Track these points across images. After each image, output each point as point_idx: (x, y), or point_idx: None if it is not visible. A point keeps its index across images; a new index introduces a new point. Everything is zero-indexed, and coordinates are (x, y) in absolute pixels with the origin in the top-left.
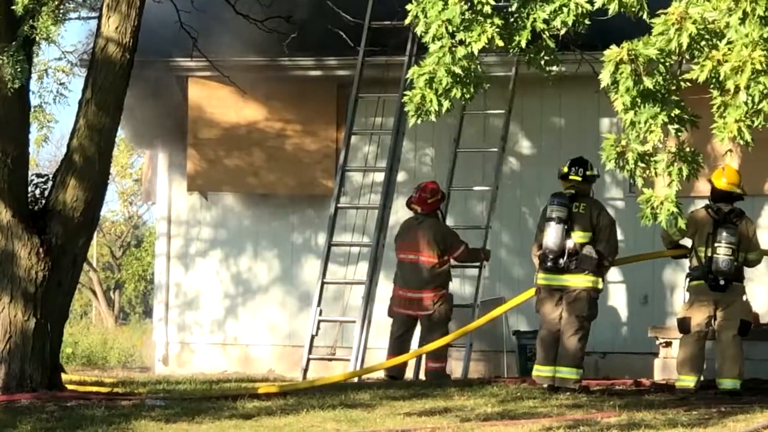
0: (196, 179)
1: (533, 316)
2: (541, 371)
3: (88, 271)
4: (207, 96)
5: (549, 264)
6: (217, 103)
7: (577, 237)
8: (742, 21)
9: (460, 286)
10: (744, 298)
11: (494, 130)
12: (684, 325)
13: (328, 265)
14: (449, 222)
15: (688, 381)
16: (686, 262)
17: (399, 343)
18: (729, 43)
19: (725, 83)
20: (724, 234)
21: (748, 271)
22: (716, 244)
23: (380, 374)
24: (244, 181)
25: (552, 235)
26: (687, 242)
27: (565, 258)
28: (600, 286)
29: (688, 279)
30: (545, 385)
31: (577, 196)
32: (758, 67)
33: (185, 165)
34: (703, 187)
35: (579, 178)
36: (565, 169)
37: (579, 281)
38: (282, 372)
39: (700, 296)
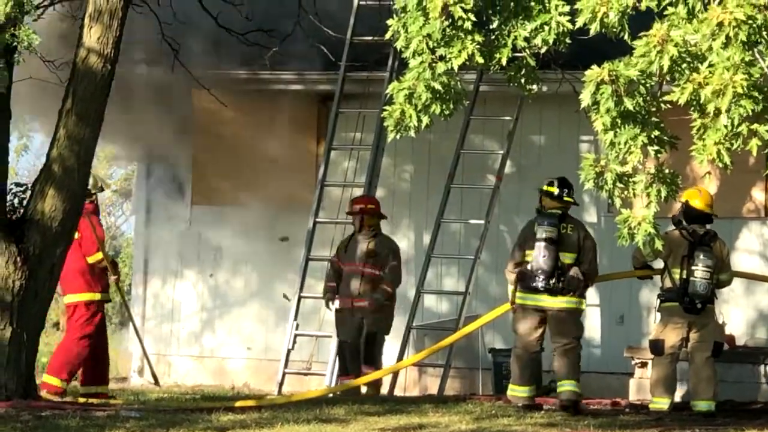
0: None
1: (509, 334)
2: (516, 391)
3: None
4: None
5: (538, 284)
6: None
7: (565, 258)
8: (725, 45)
9: (436, 303)
10: (719, 319)
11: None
12: (657, 346)
13: (306, 280)
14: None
15: (662, 403)
16: (660, 282)
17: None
18: (710, 66)
19: (706, 106)
20: (702, 257)
21: (724, 293)
22: (693, 267)
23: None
24: (223, 194)
25: (545, 256)
26: (656, 263)
27: (554, 279)
28: (583, 307)
29: (659, 300)
30: (520, 405)
31: (564, 216)
32: (739, 90)
33: (171, 177)
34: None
35: (571, 201)
36: (556, 190)
37: (564, 302)
38: (258, 386)
39: (674, 318)
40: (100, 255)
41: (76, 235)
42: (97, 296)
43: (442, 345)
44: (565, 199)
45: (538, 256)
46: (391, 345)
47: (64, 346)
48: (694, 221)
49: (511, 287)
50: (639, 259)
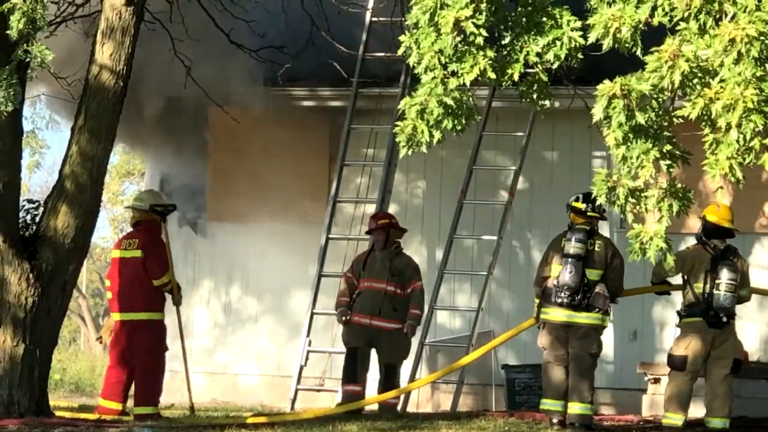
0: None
1: (522, 350)
2: (550, 405)
3: (77, 298)
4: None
5: (563, 300)
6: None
7: (591, 275)
8: (737, 61)
9: (449, 319)
10: (736, 336)
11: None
12: (679, 362)
13: (318, 296)
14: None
15: (676, 419)
16: (675, 298)
17: None
18: (721, 81)
19: (717, 121)
20: (725, 271)
21: (737, 309)
22: (717, 281)
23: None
24: (236, 210)
25: (571, 271)
26: (675, 279)
27: (580, 295)
28: (607, 324)
29: (681, 316)
30: (555, 420)
31: (592, 232)
32: (750, 105)
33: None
34: (693, 224)
35: (597, 215)
36: (582, 205)
37: (589, 319)
38: (270, 402)
39: (698, 333)
40: (167, 278)
41: (140, 254)
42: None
43: (463, 363)
44: (589, 214)
45: (564, 272)
46: (404, 361)
47: (146, 371)
48: (712, 236)
49: (537, 301)
50: (660, 274)
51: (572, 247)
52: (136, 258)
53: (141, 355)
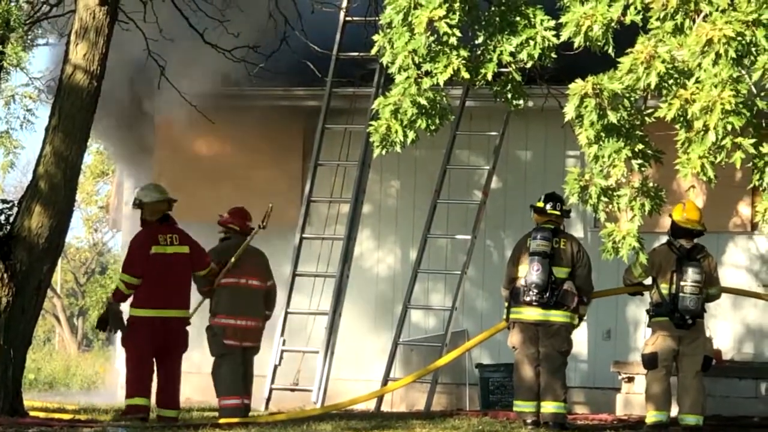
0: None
1: (495, 349)
2: (523, 407)
3: (51, 297)
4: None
5: (532, 298)
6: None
7: (558, 272)
8: (715, 62)
9: (423, 318)
10: (707, 333)
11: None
12: (652, 360)
13: (293, 295)
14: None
15: (661, 416)
16: (648, 298)
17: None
18: (697, 81)
19: (693, 122)
20: (690, 272)
21: (711, 308)
22: (682, 283)
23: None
24: (208, 210)
25: (537, 269)
26: (647, 279)
27: (548, 293)
28: (575, 321)
29: (650, 315)
30: (528, 421)
31: (557, 230)
32: (728, 107)
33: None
34: (666, 223)
35: (557, 213)
36: (542, 204)
37: (558, 316)
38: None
39: (665, 332)
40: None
41: (187, 249)
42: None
43: (439, 365)
44: (549, 211)
45: (531, 271)
46: (378, 361)
47: (177, 371)
48: (678, 235)
49: (506, 304)
50: (631, 279)
51: (537, 245)
52: (185, 254)
53: (177, 354)
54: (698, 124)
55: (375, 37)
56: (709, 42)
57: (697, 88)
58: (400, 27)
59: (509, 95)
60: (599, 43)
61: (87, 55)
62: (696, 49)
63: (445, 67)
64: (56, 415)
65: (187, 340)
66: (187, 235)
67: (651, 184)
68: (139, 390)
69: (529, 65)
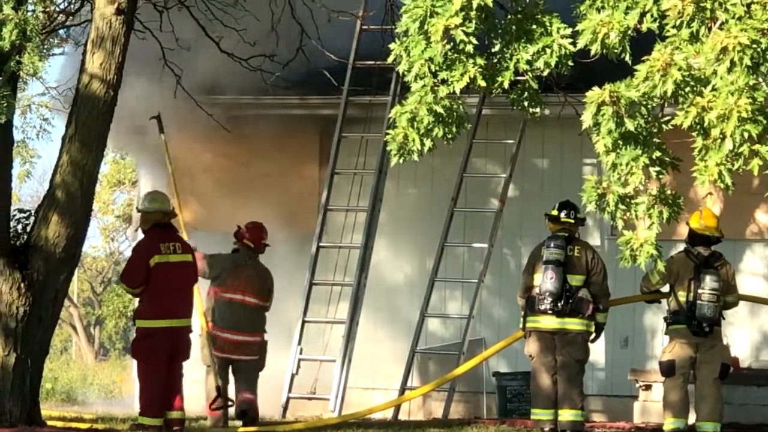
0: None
1: (513, 357)
2: (541, 415)
3: (68, 307)
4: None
5: (547, 307)
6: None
7: (573, 280)
8: (730, 69)
9: (441, 327)
10: (724, 341)
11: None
12: (669, 367)
13: (309, 304)
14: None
15: (679, 423)
16: (666, 305)
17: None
18: (714, 89)
19: (710, 130)
20: (708, 280)
21: (728, 315)
22: (700, 291)
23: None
24: (225, 221)
25: (551, 277)
26: (664, 287)
27: (563, 301)
28: (592, 329)
29: (667, 323)
30: (546, 429)
31: (571, 238)
32: (744, 114)
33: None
34: (684, 230)
35: (571, 221)
36: (556, 212)
37: (574, 325)
38: (261, 410)
39: (682, 339)
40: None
41: (190, 258)
42: None
43: (457, 374)
44: (563, 219)
45: (545, 278)
46: (395, 369)
47: (181, 377)
48: (695, 243)
49: (522, 313)
50: (648, 287)
51: (551, 253)
52: (189, 262)
53: (182, 361)
54: (715, 132)
55: (391, 46)
56: (724, 50)
57: (714, 95)
58: (417, 35)
59: (526, 103)
60: (616, 51)
61: (103, 65)
62: (711, 56)
63: (462, 75)
64: (74, 425)
65: (190, 347)
66: (187, 243)
67: (669, 192)
68: (153, 409)
69: (545, 73)
